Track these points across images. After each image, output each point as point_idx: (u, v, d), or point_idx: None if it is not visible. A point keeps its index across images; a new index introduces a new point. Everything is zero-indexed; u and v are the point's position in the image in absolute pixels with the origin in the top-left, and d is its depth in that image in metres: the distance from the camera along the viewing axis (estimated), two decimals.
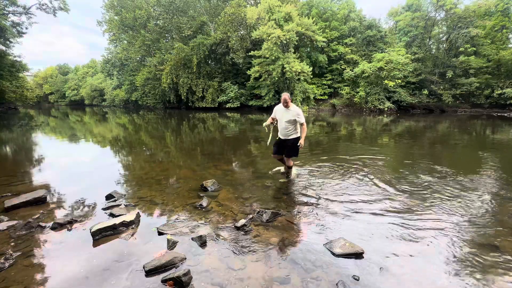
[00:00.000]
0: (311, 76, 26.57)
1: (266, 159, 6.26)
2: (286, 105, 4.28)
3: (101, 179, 4.99)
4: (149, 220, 3.21)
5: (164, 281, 2.09)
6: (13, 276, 2.21)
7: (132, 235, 2.85)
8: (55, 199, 3.92)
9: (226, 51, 28.96)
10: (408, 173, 5.18)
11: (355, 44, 29.75)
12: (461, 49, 26.05)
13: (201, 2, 31.65)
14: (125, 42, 36.30)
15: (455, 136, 11.30)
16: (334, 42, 29.53)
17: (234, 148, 8.47)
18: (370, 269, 2.29)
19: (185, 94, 30.75)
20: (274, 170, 5.20)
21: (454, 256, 2.49)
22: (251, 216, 3.23)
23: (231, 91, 28.97)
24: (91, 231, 2.79)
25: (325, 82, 29.77)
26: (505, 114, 23.42)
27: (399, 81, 24.78)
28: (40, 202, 3.70)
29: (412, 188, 4.29)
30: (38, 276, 2.23)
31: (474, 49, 26.08)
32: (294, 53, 26.35)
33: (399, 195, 4.02)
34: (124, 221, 2.97)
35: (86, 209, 3.57)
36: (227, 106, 29.42)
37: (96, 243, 2.70)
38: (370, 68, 24.77)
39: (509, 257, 2.47)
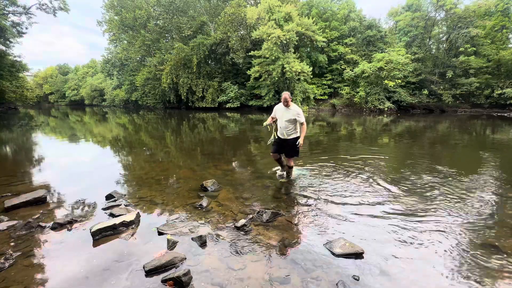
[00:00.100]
0: (311, 76, 26.57)
1: (266, 159, 6.26)
2: (287, 104, 4.28)
3: (101, 179, 4.99)
4: (149, 220, 3.21)
5: (164, 281, 2.09)
6: (13, 276, 2.21)
7: (132, 235, 2.85)
8: (55, 199, 3.92)
9: (226, 51, 28.96)
10: (409, 173, 5.18)
11: (355, 44, 29.75)
12: (461, 49, 26.05)
13: (201, 2, 31.65)
14: (125, 42, 36.30)
15: (455, 136, 11.30)
16: (334, 42, 29.53)
17: (234, 148, 8.46)
18: (370, 269, 2.29)
19: (185, 94, 30.75)
20: (273, 169, 5.20)
21: (454, 257, 2.49)
22: (251, 216, 3.23)
23: (231, 91, 28.98)
24: (91, 231, 2.79)
25: (325, 82, 29.78)
26: (505, 114, 23.42)
27: (399, 81, 24.78)
28: (40, 202, 3.70)
29: (413, 188, 4.29)
30: (38, 276, 2.23)
31: (474, 49, 26.08)
32: (294, 53, 26.35)
33: (400, 195, 4.02)
34: (124, 221, 2.97)
35: (86, 209, 3.57)
36: (227, 106, 29.42)
37: (96, 243, 2.70)
38: (370, 68, 24.77)
39: (509, 258, 2.47)
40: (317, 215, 3.32)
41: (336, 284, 2.09)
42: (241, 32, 28.25)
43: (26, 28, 27.40)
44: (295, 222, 3.17)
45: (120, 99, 43.88)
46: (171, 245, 2.61)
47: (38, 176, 5.15)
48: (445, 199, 3.83)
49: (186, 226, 3.01)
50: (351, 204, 3.64)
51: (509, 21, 26.95)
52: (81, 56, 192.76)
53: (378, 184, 4.50)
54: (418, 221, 3.16)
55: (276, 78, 25.07)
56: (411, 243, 2.69)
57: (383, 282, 2.14)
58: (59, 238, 2.82)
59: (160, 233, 2.87)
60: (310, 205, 3.61)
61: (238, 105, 29.10)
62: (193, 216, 3.28)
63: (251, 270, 2.27)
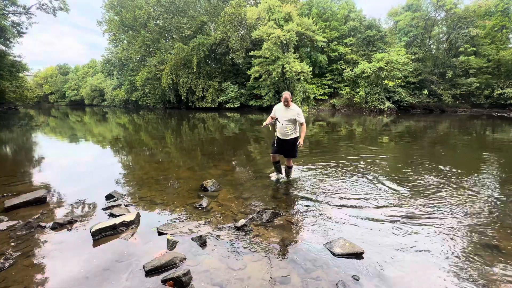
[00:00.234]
0: (311, 76, 26.59)
1: (266, 159, 6.26)
2: (287, 104, 4.26)
3: (101, 179, 4.99)
4: (149, 220, 3.21)
5: (164, 281, 2.09)
6: (13, 276, 2.21)
7: (132, 235, 2.85)
8: (55, 199, 3.92)
9: (226, 51, 28.97)
10: (409, 173, 5.18)
11: (355, 44, 29.76)
12: (461, 49, 26.06)
13: (201, 2, 31.65)
14: (125, 42, 36.31)
15: (456, 136, 11.30)
16: (334, 42, 29.55)
17: (234, 148, 8.46)
18: (370, 269, 2.29)
19: (185, 94, 30.76)
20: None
21: (455, 257, 2.49)
22: (251, 216, 3.23)
23: (231, 91, 28.98)
24: (91, 231, 2.79)
25: (325, 82, 29.80)
26: (505, 114, 23.42)
27: (399, 81, 24.79)
28: (40, 202, 3.70)
29: (413, 188, 4.29)
30: (38, 276, 2.23)
31: (474, 49, 26.10)
32: (294, 53, 26.36)
33: (400, 195, 4.02)
34: (124, 221, 2.97)
35: (86, 209, 3.57)
36: (227, 106, 29.43)
37: (96, 243, 2.70)
38: (370, 68, 24.78)
39: (510, 258, 2.47)
40: (317, 215, 3.32)
41: (336, 284, 2.09)
42: (241, 32, 28.25)
43: (26, 28, 27.46)
44: (295, 222, 3.17)
45: (120, 99, 43.90)
46: (171, 245, 2.61)
47: (38, 176, 5.15)
48: (446, 199, 3.83)
49: (186, 226, 3.01)
50: (351, 204, 3.64)
51: (509, 21, 26.95)
52: (81, 56, 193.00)
53: (379, 184, 4.50)
54: (419, 221, 3.16)
55: (276, 78, 25.07)
56: (411, 243, 2.69)
57: (383, 282, 2.14)
58: (59, 238, 2.82)
59: (160, 233, 2.87)
60: (310, 205, 3.61)
61: (238, 105, 29.11)
62: (193, 216, 3.28)
63: (251, 270, 2.27)
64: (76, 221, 3.14)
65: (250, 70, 26.42)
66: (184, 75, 29.93)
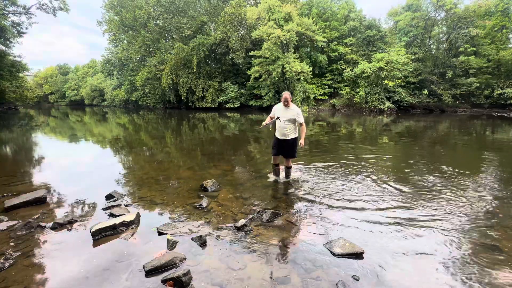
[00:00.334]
0: (311, 76, 26.58)
1: (266, 158, 6.26)
2: (287, 104, 4.26)
3: (101, 179, 4.99)
4: (149, 220, 3.21)
5: (164, 281, 2.09)
6: (13, 276, 2.21)
7: (132, 235, 2.85)
8: (55, 199, 3.92)
9: (226, 51, 28.97)
10: (410, 173, 5.18)
11: (355, 44, 29.77)
12: (461, 49, 26.06)
13: (201, 2, 31.65)
14: (125, 42, 36.30)
15: (456, 136, 11.30)
16: (334, 42, 29.55)
17: (234, 148, 8.46)
18: (370, 269, 2.29)
19: (185, 94, 30.76)
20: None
21: (455, 257, 2.49)
22: (251, 216, 3.23)
23: (231, 91, 28.98)
24: (91, 231, 2.79)
25: (325, 82, 29.79)
26: (505, 114, 23.42)
27: (399, 81, 24.79)
28: (40, 202, 3.70)
29: (413, 188, 4.29)
30: (38, 276, 2.23)
31: (474, 49, 26.10)
32: (294, 53, 26.36)
33: (400, 195, 4.02)
34: (124, 221, 2.97)
35: (86, 209, 3.57)
36: (227, 106, 29.42)
37: (96, 243, 2.70)
38: (370, 68, 24.78)
39: (510, 258, 2.47)
40: (317, 215, 3.32)
41: (336, 284, 2.09)
42: (241, 32, 28.25)
43: (26, 28, 27.44)
44: (295, 222, 3.17)
45: (120, 99, 43.89)
46: (171, 245, 2.61)
47: (38, 176, 5.15)
48: (447, 199, 3.83)
49: (186, 226, 3.01)
50: (351, 204, 3.64)
51: (509, 21, 26.96)
52: (81, 56, 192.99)
53: (379, 184, 4.50)
54: (419, 221, 3.16)
55: (276, 78, 25.07)
56: (411, 243, 2.69)
57: (383, 282, 2.14)
58: (59, 238, 2.82)
59: (160, 233, 2.87)
60: (310, 205, 3.61)
61: (238, 105, 29.10)
62: (193, 216, 3.28)
63: (251, 270, 2.27)
64: (76, 221, 3.14)
65: (250, 70, 26.42)
66: (184, 75, 29.93)
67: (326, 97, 29.56)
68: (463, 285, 2.12)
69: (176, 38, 32.50)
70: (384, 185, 4.42)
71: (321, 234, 2.86)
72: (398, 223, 3.10)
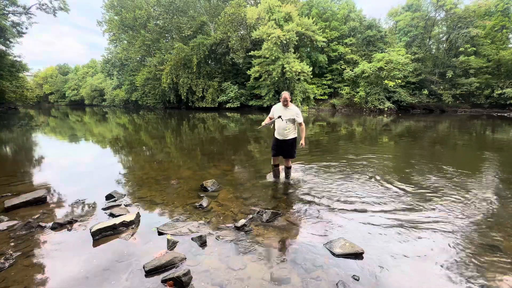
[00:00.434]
0: (311, 76, 26.58)
1: (266, 158, 6.26)
2: (286, 104, 4.26)
3: (101, 179, 4.99)
4: (149, 220, 3.21)
5: (164, 281, 2.09)
6: (13, 276, 2.21)
7: (132, 235, 2.85)
8: (55, 199, 3.92)
9: (226, 51, 28.97)
10: (410, 173, 5.18)
11: (355, 44, 29.77)
12: (461, 49, 26.06)
13: (201, 2, 31.65)
14: (125, 42, 36.31)
15: (456, 136, 11.30)
16: (334, 42, 29.55)
17: (234, 148, 8.46)
18: (370, 269, 2.29)
19: (185, 94, 30.76)
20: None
21: (455, 257, 2.49)
22: (251, 216, 3.23)
23: (231, 91, 28.98)
24: (91, 231, 2.79)
25: (325, 82, 29.79)
26: (505, 114, 23.42)
27: (399, 81, 24.79)
28: (40, 202, 3.70)
29: (414, 188, 4.29)
30: (38, 276, 2.23)
31: (474, 49, 26.10)
32: (294, 53, 26.36)
33: (400, 195, 4.02)
34: (124, 221, 2.97)
35: (86, 209, 3.57)
36: (227, 106, 29.42)
37: (96, 243, 2.70)
38: (370, 68, 24.78)
39: (509, 257, 2.47)
40: (317, 215, 3.32)
41: (336, 284, 2.09)
42: (241, 32, 28.25)
43: (26, 28, 27.45)
44: (295, 222, 3.17)
45: (120, 99, 43.90)
46: (171, 245, 2.61)
47: (38, 176, 5.15)
48: (447, 199, 3.83)
49: (186, 226, 3.01)
50: (351, 204, 3.64)
51: (509, 21, 26.96)
52: (81, 56, 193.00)
53: (379, 184, 4.50)
54: (419, 221, 3.15)
55: (276, 78, 25.07)
56: (411, 243, 2.69)
57: (383, 282, 2.14)
58: (59, 238, 2.82)
59: (160, 233, 2.87)
60: (310, 205, 3.61)
61: (238, 105, 29.10)
62: (193, 216, 3.28)
63: (251, 270, 2.27)
64: (76, 221, 3.14)
65: (250, 70, 26.41)
66: (184, 75, 29.93)
67: (326, 97, 29.56)
68: (463, 286, 2.12)
69: (176, 38, 32.50)
70: (385, 185, 4.42)
71: (321, 234, 2.86)
72: (398, 223, 3.10)
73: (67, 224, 3.05)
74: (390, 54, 24.95)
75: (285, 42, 24.34)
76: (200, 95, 30.54)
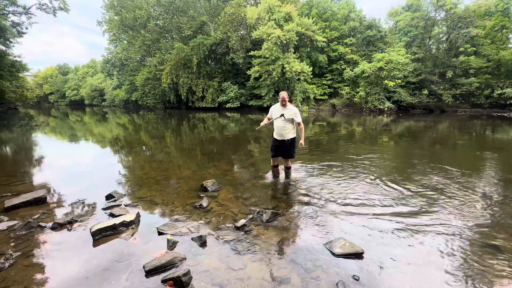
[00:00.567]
0: (311, 76, 26.57)
1: (266, 158, 6.26)
2: (284, 104, 4.25)
3: (101, 179, 4.99)
4: (149, 220, 3.21)
5: (164, 281, 2.09)
6: (13, 276, 2.21)
7: (132, 235, 2.85)
8: (55, 199, 3.92)
9: (226, 51, 28.97)
10: (410, 173, 5.18)
11: (355, 44, 29.76)
12: (461, 49, 26.06)
13: (201, 2, 31.65)
14: (125, 42, 36.30)
15: (456, 136, 11.30)
16: (334, 42, 29.54)
17: (234, 148, 8.46)
18: (370, 269, 2.29)
19: (185, 94, 30.76)
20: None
21: (455, 257, 2.49)
22: (251, 216, 3.23)
23: (231, 91, 28.98)
24: (91, 231, 2.79)
25: (325, 82, 29.79)
26: (505, 114, 23.42)
27: (399, 81, 24.78)
28: (40, 202, 3.70)
29: (413, 188, 4.29)
30: (38, 276, 2.23)
31: (474, 49, 26.09)
32: (294, 53, 26.35)
33: (401, 195, 4.02)
34: (124, 221, 2.97)
35: (86, 209, 3.57)
36: (227, 106, 29.42)
37: (96, 243, 2.70)
38: (370, 68, 24.77)
39: (509, 257, 2.47)
40: (317, 215, 3.32)
41: (336, 284, 2.09)
42: (241, 32, 28.25)
43: (26, 28, 27.44)
44: (295, 222, 3.17)
45: (120, 99, 43.89)
46: (171, 245, 2.61)
47: (38, 176, 5.15)
48: (447, 200, 3.83)
49: (186, 226, 3.01)
50: (351, 204, 3.64)
51: (509, 21, 26.95)
52: (81, 56, 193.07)
53: (379, 184, 4.49)
54: (419, 221, 3.15)
55: (276, 78, 25.07)
56: (411, 243, 2.69)
57: (383, 282, 2.14)
58: (59, 238, 2.82)
59: (160, 233, 2.87)
60: (310, 205, 3.61)
61: (238, 105, 29.10)
62: (193, 216, 3.28)
63: (251, 270, 2.27)
64: (76, 221, 3.14)
65: (250, 70, 26.41)
66: (184, 75, 29.93)
67: (326, 97, 29.55)
68: (463, 286, 2.12)
69: (176, 38, 32.50)
70: (385, 185, 4.42)
71: (321, 234, 2.86)
72: (398, 223, 3.10)
73: (67, 224, 3.05)
74: (390, 54, 24.94)
75: (285, 42, 24.34)
76: (200, 95, 30.54)
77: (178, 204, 3.67)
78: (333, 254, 2.49)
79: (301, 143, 4.33)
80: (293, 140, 4.39)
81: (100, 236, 2.79)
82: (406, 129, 13.76)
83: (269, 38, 23.93)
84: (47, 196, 3.86)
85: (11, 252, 2.53)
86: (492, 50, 26.78)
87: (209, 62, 31.39)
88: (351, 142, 9.41)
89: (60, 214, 3.41)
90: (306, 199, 3.84)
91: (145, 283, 2.11)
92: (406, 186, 4.38)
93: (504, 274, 2.25)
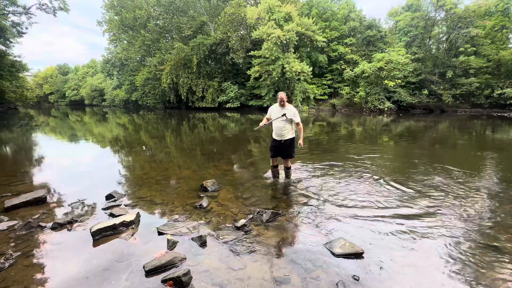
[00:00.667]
0: (311, 76, 26.57)
1: (266, 158, 6.26)
2: (283, 104, 4.25)
3: (101, 179, 4.99)
4: (149, 220, 3.21)
5: (164, 281, 2.09)
6: (13, 276, 2.21)
7: (132, 235, 2.85)
8: (55, 199, 3.92)
9: (226, 51, 28.96)
10: (410, 173, 5.18)
11: (355, 44, 29.75)
12: (461, 49, 26.05)
13: (201, 2, 31.64)
14: (125, 42, 36.30)
15: (456, 135, 11.30)
16: (334, 42, 29.53)
17: (234, 148, 8.47)
18: (370, 269, 2.29)
19: (185, 94, 30.76)
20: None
21: (455, 257, 2.49)
22: (251, 216, 3.23)
23: (231, 91, 28.98)
24: (91, 231, 2.79)
25: (325, 82, 29.78)
26: (505, 114, 23.42)
27: (399, 81, 24.78)
28: (40, 202, 3.70)
29: (414, 188, 4.29)
30: (38, 276, 2.23)
31: (474, 49, 26.08)
32: (294, 53, 26.35)
33: (401, 194, 4.01)
34: (124, 221, 2.97)
35: (86, 209, 3.57)
36: (227, 106, 29.41)
37: (96, 243, 2.70)
38: (370, 68, 24.77)
39: (509, 257, 2.47)
40: (317, 215, 3.32)
41: (336, 284, 2.09)
42: (241, 32, 28.24)
43: (26, 28, 27.45)
44: (295, 222, 3.17)
45: (120, 99, 43.89)
46: (171, 245, 2.61)
47: (38, 176, 5.15)
48: (447, 199, 3.83)
49: (186, 226, 3.01)
50: (351, 204, 3.64)
51: (509, 21, 26.94)
52: (81, 56, 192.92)
53: (380, 184, 4.49)
54: (419, 221, 3.16)
55: (276, 78, 25.07)
56: (411, 243, 2.69)
57: (383, 282, 2.14)
58: (59, 238, 2.82)
59: (160, 233, 2.87)
60: (310, 205, 3.61)
61: (238, 105, 29.10)
62: (193, 216, 3.28)
63: (251, 270, 2.27)
64: (76, 221, 3.14)
65: (250, 70, 26.40)
66: (184, 75, 29.93)
67: (326, 97, 29.54)
68: (464, 286, 2.12)
69: (176, 38, 32.49)
70: (385, 185, 4.42)
71: (321, 234, 2.86)
72: (398, 223, 3.10)
73: (67, 224, 3.05)
74: (390, 54, 24.94)
75: (285, 42, 24.33)
76: (200, 95, 30.54)
77: (178, 204, 3.67)
78: (333, 254, 2.49)
79: (299, 143, 4.32)
80: (292, 140, 4.39)
81: (100, 236, 2.79)
82: (406, 129, 13.76)
83: (269, 38, 23.93)
84: (47, 196, 3.86)
85: (11, 252, 2.53)
86: (492, 50, 26.78)
87: (209, 62, 31.38)
88: (351, 142, 9.41)
89: (60, 214, 3.41)
90: (306, 199, 3.84)
91: (145, 283, 2.11)
92: (406, 186, 4.37)
93: (505, 274, 2.25)
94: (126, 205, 3.61)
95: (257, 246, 2.64)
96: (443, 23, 29.33)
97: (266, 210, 3.30)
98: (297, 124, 4.30)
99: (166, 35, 34.51)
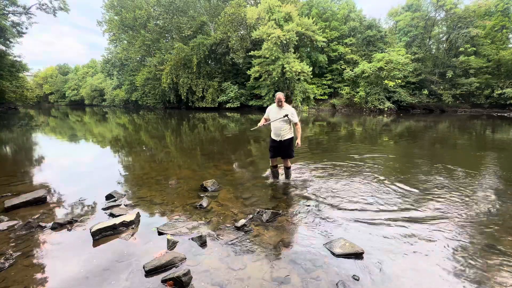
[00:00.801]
0: (311, 76, 26.57)
1: (266, 158, 6.25)
2: (281, 105, 4.25)
3: (101, 179, 4.99)
4: (149, 220, 3.21)
5: (164, 281, 2.09)
6: (13, 276, 2.21)
7: (132, 235, 2.85)
8: (55, 199, 3.92)
9: (226, 51, 28.97)
10: (411, 173, 5.17)
11: (355, 44, 29.75)
12: (461, 49, 26.06)
13: (201, 2, 31.65)
14: (125, 42, 36.31)
15: (456, 135, 11.30)
16: (334, 42, 29.54)
17: (234, 148, 8.46)
18: (370, 269, 2.29)
19: (185, 94, 30.76)
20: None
21: (455, 257, 2.49)
22: (251, 216, 3.23)
23: (231, 91, 28.98)
24: (91, 231, 2.79)
25: (325, 82, 29.78)
26: (505, 114, 23.42)
27: (399, 81, 24.78)
28: (40, 202, 3.70)
29: (415, 188, 4.29)
30: (38, 276, 2.23)
31: (474, 49, 26.09)
32: (294, 53, 26.35)
33: (401, 194, 4.01)
34: (124, 221, 2.97)
35: (86, 209, 3.57)
36: (227, 106, 29.42)
37: (96, 243, 2.70)
38: (370, 68, 24.77)
39: (510, 258, 2.47)
40: (317, 215, 3.32)
41: (336, 284, 2.09)
42: (241, 32, 28.24)
43: (26, 28, 27.45)
44: (295, 222, 3.16)
45: (120, 99, 43.89)
46: (171, 245, 2.61)
47: (38, 176, 5.15)
48: (447, 199, 3.83)
49: (186, 226, 3.01)
50: (351, 204, 3.64)
51: (509, 21, 26.95)
52: (81, 56, 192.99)
53: (380, 183, 4.49)
54: (420, 222, 3.15)
55: (276, 78, 25.07)
56: (411, 243, 2.69)
57: (383, 282, 2.14)
58: (59, 238, 2.82)
59: (160, 233, 2.87)
60: (310, 205, 3.61)
61: (238, 105, 29.10)
62: (193, 216, 3.28)
63: (251, 270, 2.27)
64: (76, 221, 3.14)
65: (250, 70, 26.41)
66: (184, 75, 29.93)
67: (326, 97, 29.55)
68: (464, 286, 2.12)
69: (176, 38, 32.49)
70: (385, 185, 4.42)
71: (321, 234, 2.86)
72: (399, 223, 3.10)
73: (67, 224, 3.05)
74: (390, 54, 24.94)
75: (285, 42, 24.34)
76: (200, 95, 30.54)
77: (178, 204, 3.67)
78: (333, 254, 2.49)
79: (297, 143, 4.32)
80: (291, 140, 4.39)
81: (100, 236, 2.79)
82: (406, 129, 13.76)
83: (269, 38, 23.93)
84: (47, 196, 3.86)
85: (11, 252, 2.53)
86: (492, 50, 26.79)
87: (209, 62, 31.39)
88: (351, 142, 9.40)
89: (60, 214, 3.41)
90: (306, 199, 3.83)
91: (145, 283, 2.11)
92: (406, 186, 4.37)
93: (505, 274, 2.25)
94: (126, 205, 3.61)
95: (257, 246, 2.64)
96: (443, 23, 29.34)
97: (266, 210, 3.30)
98: (295, 124, 4.30)
99: (166, 35, 34.51)
